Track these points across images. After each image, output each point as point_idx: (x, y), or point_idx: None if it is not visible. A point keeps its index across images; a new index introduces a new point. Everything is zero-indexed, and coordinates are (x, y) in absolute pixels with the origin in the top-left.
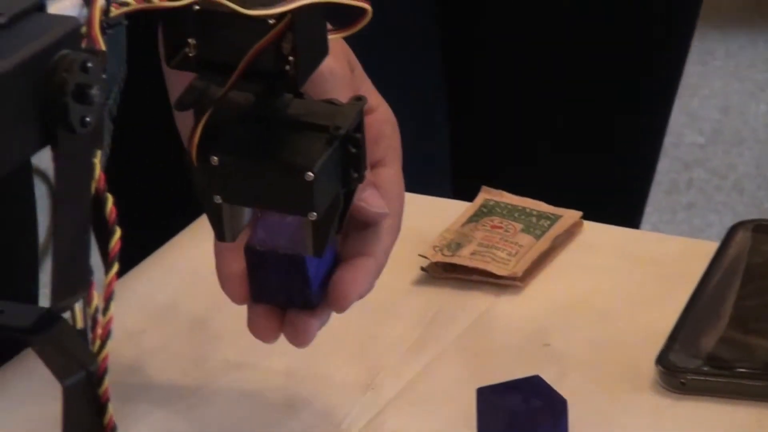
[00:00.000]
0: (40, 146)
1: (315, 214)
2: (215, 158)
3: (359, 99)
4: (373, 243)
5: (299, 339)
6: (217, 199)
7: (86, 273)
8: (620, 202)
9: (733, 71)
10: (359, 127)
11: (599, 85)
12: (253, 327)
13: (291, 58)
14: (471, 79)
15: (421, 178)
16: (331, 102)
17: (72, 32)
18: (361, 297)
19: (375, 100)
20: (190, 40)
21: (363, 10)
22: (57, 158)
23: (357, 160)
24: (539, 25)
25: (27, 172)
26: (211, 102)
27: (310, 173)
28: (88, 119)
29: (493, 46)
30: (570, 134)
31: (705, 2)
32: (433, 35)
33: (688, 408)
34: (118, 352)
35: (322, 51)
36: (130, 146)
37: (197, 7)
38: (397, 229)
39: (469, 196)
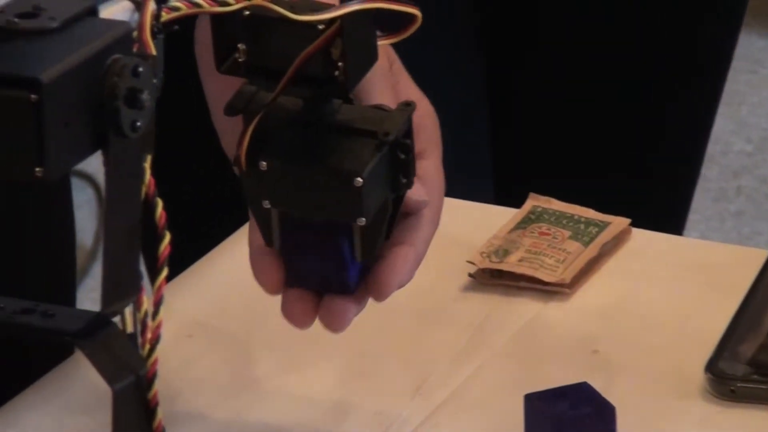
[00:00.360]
0: (92, 151)
1: (364, 219)
2: (264, 163)
3: (408, 105)
4: (413, 232)
5: (335, 323)
6: (266, 204)
7: (136, 277)
8: (664, 208)
9: None
10: (408, 132)
11: (642, 90)
12: (288, 311)
13: (340, 63)
14: (512, 85)
15: (462, 185)
16: (380, 107)
17: (124, 37)
18: (401, 286)
19: (415, 94)
20: (240, 46)
21: (412, 16)
22: (108, 163)
23: (406, 166)
24: (582, 29)
25: (66, 177)
26: (260, 107)
27: (360, 179)
28: (138, 124)
29: (536, 52)
30: (611, 140)
31: (753, 10)
32: (475, 40)
33: (737, 416)
34: (165, 356)
35: (372, 57)
36: (167, 154)
37: (247, 12)
38: (436, 220)
39: (510, 204)
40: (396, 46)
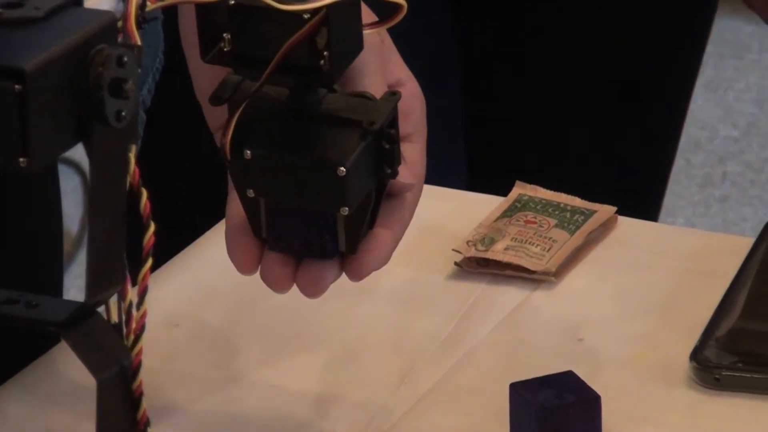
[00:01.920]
0: (77, 141)
1: (347, 209)
2: (248, 152)
3: (393, 94)
4: (394, 215)
5: (312, 289)
6: (250, 193)
7: (121, 267)
8: (639, 195)
9: (767, 64)
10: (393, 122)
11: (619, 79)
12: (267, 275)
13: (325, 53)
14: (489, 76)
15: (436, 176)
16: (365, 96)
17: (108, 26)
18: (378, 268)
19: (404, 73)
20: (225, 35)
21: (397, 5)
22: (92, 153)
23: (390, 156)
24: (557, 18)
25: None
26: (245, 96)
27: (343, 168)
28: (123, 113)
29: (512, 41)
30: (586, 129)
31: None
32: (450, 31)
33: (723, 404)
34: (151, 346)
35: (357, 46)
36: (162, 138)
37: (232, 2)
38: (415, 206)
39: (484, 191)
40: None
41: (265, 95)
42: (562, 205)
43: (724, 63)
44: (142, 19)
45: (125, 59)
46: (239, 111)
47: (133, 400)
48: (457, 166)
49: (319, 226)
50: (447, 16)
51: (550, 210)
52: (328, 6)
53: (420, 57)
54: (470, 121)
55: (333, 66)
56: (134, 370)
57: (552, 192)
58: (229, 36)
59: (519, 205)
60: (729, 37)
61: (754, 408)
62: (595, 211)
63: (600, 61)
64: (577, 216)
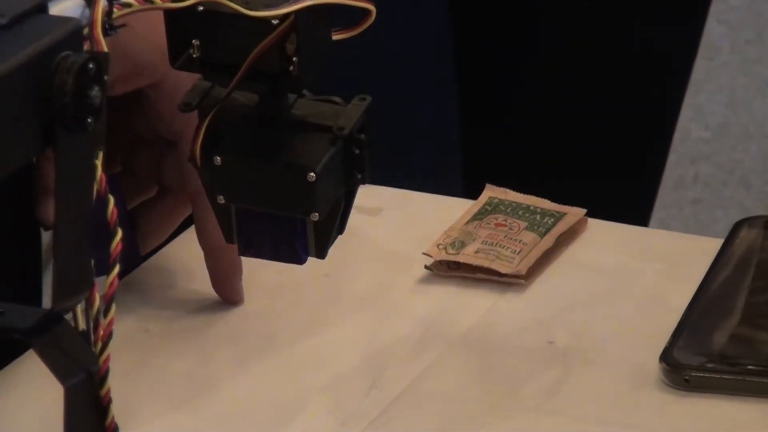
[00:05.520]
0: (42, 148)
1: (317, 215)
2: (218, 158)
3: (363, 99)
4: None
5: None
6: (221, 200)
7: (88, 275)
8: (629, 201)
9: (739, 66)
10: (363, 127)
11: (606, 82)
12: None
13: (294, 58)
14: (482, 79)
15: (431, 178)
16: (334, 102)
17: (73, 34)
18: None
19: None
20: (194, 41)
21: (366, 11)
22: (57, 160)
23: (360, 161)
24: (545, 26)
25: (29, 171)
26: (215, 102)
27: (313, 174)
28: (89, 120)
29: (503, 46)
30: (578, 133)
31: None
32: (446, 33)
33: (693, 405)
34: (121, 351)
35: (327, 52)
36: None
37: (201, 8)
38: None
39: (477, 196)
40: (368, 46)
41: (235, 101)
42: (532, 208)
43: (696, 64)
44: (109, 26)
45: (90, 66)
46: (209, 117)
47: (101, 407)
48: (454, 173)
49: (288, 232)
50: (446, 24)
51: (520, 213)
52: (296, 11)
53: (418, 65)
54: (467, 127)
55: (302, 71)
56: (102, 377)
57: (522, 195)
58: (198, 42)
59: (489, 208)
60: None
61: (723, 409)
62: (565, 214)
63: (595, 70)
64: (547, 218)
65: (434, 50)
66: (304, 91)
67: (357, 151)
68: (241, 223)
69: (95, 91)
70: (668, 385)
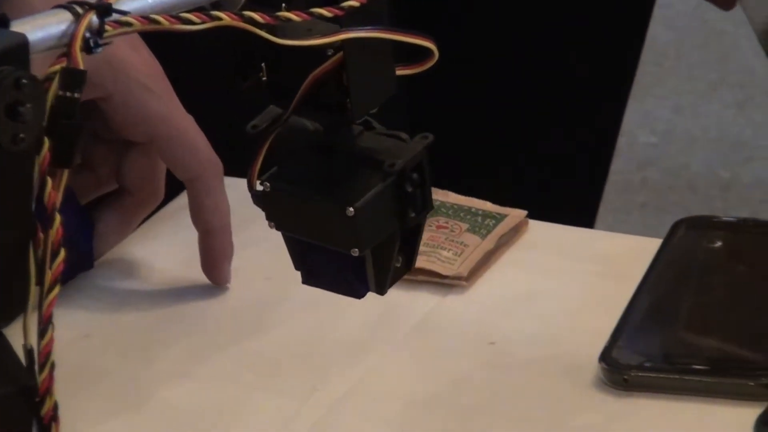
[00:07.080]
0: None
1: (357, 250)
2: (267, 184)
3: (425, 137)
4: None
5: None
6: (272, 226)
7: (23, 294)
8: (574, 205)
9: (685, 71)
10: (420, 165)
11: (550, 85)
12: None
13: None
14: (424, 81)
15: None
16: (399, 138)
17: (14, 49)
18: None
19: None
20: (263, 65)
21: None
22: None
23: (413, 199)
24: (491, 31)
25: None
26: (275, 128)
27: (351, 209)
28: (21, 136)
29: (441, 45)
30: (522, 136)
31: (658, 1)
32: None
33: (631, 405)
34: (62, 358)
35: (388, 87)
36: None
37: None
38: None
39: None
40: None
41: (301, 129)
42: (473, 210)
43: (643, 69)
44: (94, 44)
45: (24, 81)
46: (267, 142)
47: (43, 427)
48: None
49: (346, 266)
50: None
51: (461, 214)
52: (344, 41)
53: None
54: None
55: (353, 104)
56: (42, 396)
57: (463, 197)
58: (265, 65)
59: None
60: (647, 44)
61: (662, 408)
62: (506, 215)
63: (539, 72)
64: (488, 220)
65: None
66: (374, 124)
67: (410, 189)
68: (300, 253)
69: (26, 107)
70: (607, 385)
